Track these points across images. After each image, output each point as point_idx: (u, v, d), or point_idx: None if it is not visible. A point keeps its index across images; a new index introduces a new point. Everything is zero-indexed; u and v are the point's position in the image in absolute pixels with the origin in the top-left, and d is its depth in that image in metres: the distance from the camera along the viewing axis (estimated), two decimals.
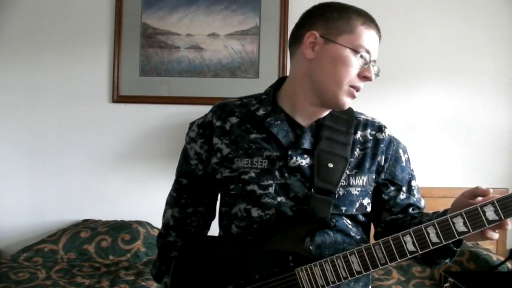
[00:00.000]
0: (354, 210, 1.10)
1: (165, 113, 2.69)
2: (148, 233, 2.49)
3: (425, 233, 0.95)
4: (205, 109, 1.29)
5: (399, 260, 0.98)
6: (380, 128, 1.16)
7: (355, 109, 1.19)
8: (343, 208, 1.09)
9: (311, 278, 1.01)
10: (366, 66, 1.06)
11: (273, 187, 1.09)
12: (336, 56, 1.05)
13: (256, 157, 1.11)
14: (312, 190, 1.07)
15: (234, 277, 1.06)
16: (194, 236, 1.24)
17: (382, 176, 1.14)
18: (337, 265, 1.00)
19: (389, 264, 0.98)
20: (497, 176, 2.68)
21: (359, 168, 1.11)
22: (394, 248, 0.97)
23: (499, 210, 0.91)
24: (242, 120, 1.16)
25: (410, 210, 1.16)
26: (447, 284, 2.02)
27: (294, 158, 1.09)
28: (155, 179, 2.65)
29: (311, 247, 1.05)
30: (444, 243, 0.95)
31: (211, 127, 1.18)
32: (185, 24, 2.69)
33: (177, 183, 1.26)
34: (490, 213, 0.92)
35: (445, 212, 1.03)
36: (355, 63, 1.05)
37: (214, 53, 2.69)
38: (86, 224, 2.54)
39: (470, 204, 0.94)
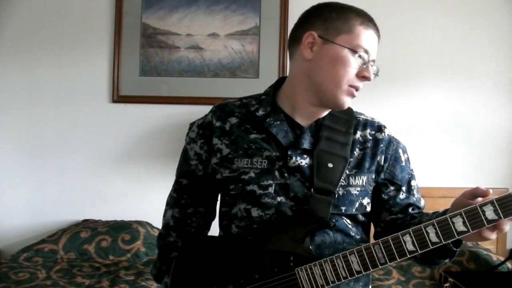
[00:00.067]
0: (354, 210, 1.10)
1: (165, 113, 2.69)
2: (148, 233, 2.49)
3: (425, 233, 0.95)
4: (205, 109, 1.29)
5: (398, 260, 0.98)
6: (379, 128, 1.16)
7: (355, 109, 1.19)
8: (343, 208, 1.09)
9: (311, 278, 1.01)
10: (364, 66, 1.06)
11: (273, 187, 1.09)
12: (335, 56, 1.06)
13: (256, 157, 1.11)
14: (312, 190, 1.07)
15: (234, 277, 1.07)
16: (194, 236, 1.24)
17: (382, 176, 1.14)
18: (336, 264, 1.00)
19: (389, 263, 0.98)
20: (497, 176, 2.68)
21: (358, 168, 1.11)
22: (393, 248, 0.97)
23: (499, 210, 0.91)
24: (241, 121, 1.16)
25: (410, 210, 1.16)
26: (447, 284, 2.02)
27: (294, 158, 1.09)
28: (155, 179, 2.65)
29: (311, 247, 1.05)
30: (444, 242, 0.95)
31: (211, 127, 1.19)
32: (185, 24, 2.69)
33: (177, 183, 1.26)
34: (490, 213, 0.92)
35: (445, 212, 1.03)
36: (353, 63, 1.05)
37: (214, 53, 2.69)
38: (86, 224, 2.54)
39: (469, 204, 0.94)
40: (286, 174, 1.09)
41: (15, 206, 2.68)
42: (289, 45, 1.16)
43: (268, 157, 1.11)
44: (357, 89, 1.08)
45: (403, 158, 1.17)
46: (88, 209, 2.67)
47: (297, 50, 1.12)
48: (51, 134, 2.69)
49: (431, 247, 0.95)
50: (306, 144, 1.11)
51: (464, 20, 2.69)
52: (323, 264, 1.01)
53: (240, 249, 1.08)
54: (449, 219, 0.94)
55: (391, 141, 1.16)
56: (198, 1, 2.69)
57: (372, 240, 1.06)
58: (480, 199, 0.95)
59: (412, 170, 1.19)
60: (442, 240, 0.95)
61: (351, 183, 1.10)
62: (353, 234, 1.11)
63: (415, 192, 1.18)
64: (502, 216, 0.91)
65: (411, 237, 0.96)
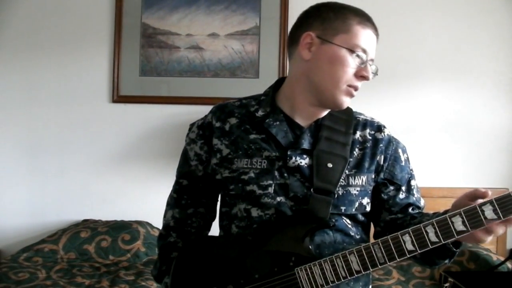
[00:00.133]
0: (354, 210, 1.11)
1: (165, 113, 2.69)
2: (148, 233, 2.49)
3: (424, 232, 0.95)
4: (205, 109, 1.29)
5: (398, 260, 0.98)
6: (379, 128, 1.16)
7: (354, 109, 1.19)
8: (343, 208, 1.09)
9: (311, 277, 1.01)
10: (363, 66, 1.06)
11: (273, 187, 1.09)
12: (333, 56, 1.06)
13: (255, 158, 1.11)
14: (312, 190, 1.07)
15: (234, 276, 1.07)
16: (194, 236, 1.24)
17: (381, 175, 1.14)
18: (336, 264, 1.00)
19: (388, 263, 0.98)
20: (497, 176, 2.68)
21: (358, 168, 1.11)
22: (393, 248, 0.97)
23: (498, 209, 0.91)
24: (241, 121, 1.17)
25: (410, 209, 1.16)
26: (447, 284, 2.02)
27: (294, 158, 1.09)
28: (155, 179, 2.65)
29: (310, 247, 1.05)
30: (443, 242, 0.95)
31: (210, 128, 1.19)
32: (185, 24, 2.69)
33: (177, 184, 1.27)
34: (489, 212, 0.92)
35: (445, 213, 1.03)
36: (351, 63, 1.05)
37: (214, 53, 2.69)
38: (86, 224, 2.54)
39: (469, 205, 0.94)
40: (285, 174, 1.09)
41: (15, 206, 2.68)
42: (288, 45, 1.16)
43: (268, 157, 1.11)
44: (356, 88, 1.08)
45: (402, 158, 1.17)
46: (88, 209, 2.67)
47: (296, 50, 1.12)
48: (51, 134, 2.69)
49: (431, 247, 0.95)
50: (305, 144, 1.11)
51: (464, 20, 2.69)
52: (322, 264, 1.01)
53: (240, 249, 1.08)
54: (448, 219, 0.94)
55: (390, 141, 1.16)
56: (198, 1, 2.69)
57: (372, 240, 1.06)
58: (480, 200, 0.95)
59: (411, 170, 1.19)
60: (442, 239, 0.95)
61: (350, 183, 1.10)
62: (352, 234, 1.12)
63: (414, 192, 1.18)
64: (501, 216, 0.91)
65: (410, 236, 0.96)
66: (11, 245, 2.62)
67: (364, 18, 1.08)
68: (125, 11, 2.67)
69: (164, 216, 1.28)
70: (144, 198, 2.66)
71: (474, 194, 0.96)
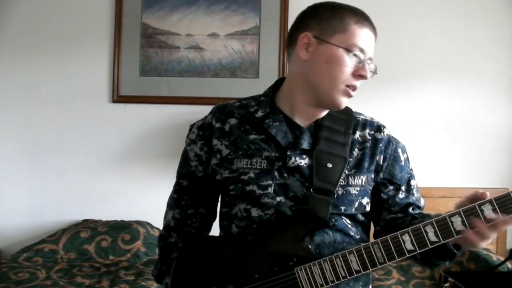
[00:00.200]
0: (353, 210, 1.11)
1: (165, 113, 2.69)
2: (148, 233, 2.49)
3: (424, 232, 0.95)
4: (205, 109, 1.29)
5: (397, 259, 0.98)
6: (378, 128, 1.16)
7: (355, 109, 1.19)
8: (342, 208, 1.09)
9: (310, 277, 1.01)
10: (360, 65, 1.06)
11: (272, 187, 1.09)
12: (330, 56, 1.06)
13: (255, 158, 1.12)
14: (311, 190, 1.07)
15: (234, 276, 1.07)
16: (194, 237, 1.24)
17: (381, 175, 1.14)
18: (336, 264, 1.00)
19: (388, 263, 0.99)
20: (497, 176, 2.68)
21: (358, 168, 1.11)
22: (392, 247, 0.97)
23: (497, 209, 0.91)
24: (241, 122, 1.17)
25: (410, 209, 1.16)
26: (447, 284, 2.02)
27: (293, 158, 1.09)
28: (155, 179, 2.65)
29: (310, 247, 1.05)
30: (443, 242, 0.95)
31: (210, 128, 1.19)
32: (185, 24, 2.69)
33: (177, 184, 1.27)
34: (488, 212, 0.92)
35: None
36: (349, 62, 1.05)
37: (214, 53, 2.69)
38: (86, 224, 2.55)
39: None
40: (285, 174, 1.09)
41: (15, 206, 2.68)
42: (287, 46, 1.16)
43: (268, 158, 1.11)
44: (354, 88, 1.08)
45: (402, 158, 1.17)
46: (88, 209, 2.67)
47: (294, 51, 1.12)
48: (51, 134, 2.69)
49: (430, 247, 0.96)
50: (305, 145, 1.11)
51: (464, 20, 2.69)
52: (322, 263, 1.01)
53: (240, 249, 1.08)
54: (447, 218, 0.94)
55: (390, 140, 1.16)
56: (198, 1, 2.69)
57: (372, 240, 1.06)
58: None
59: (411, 169, 1.19)
60: (441, 239, 0.95)
61: (350, 183, 1.10)
62: (352, 233, 1.12)
63: (414, 191, 1.18)
64: (500, 215, 0.91)
65: (410, 236, 0.96)
66: (11, 245, 2.62)
67: (362, 17, 1.07)
68: (125, 11, 2.67)
69: (165, 217, 1.28)
70: (144, 198, 2.66)
71: (474, 197, 0.96)
